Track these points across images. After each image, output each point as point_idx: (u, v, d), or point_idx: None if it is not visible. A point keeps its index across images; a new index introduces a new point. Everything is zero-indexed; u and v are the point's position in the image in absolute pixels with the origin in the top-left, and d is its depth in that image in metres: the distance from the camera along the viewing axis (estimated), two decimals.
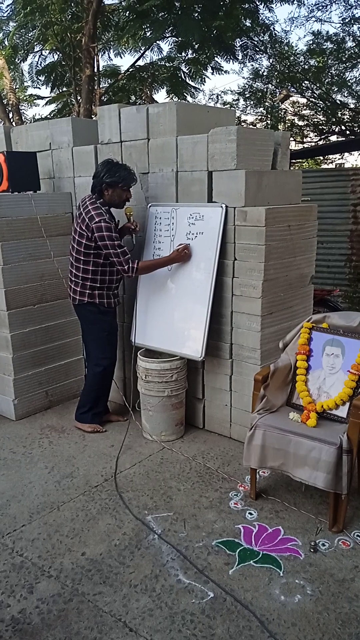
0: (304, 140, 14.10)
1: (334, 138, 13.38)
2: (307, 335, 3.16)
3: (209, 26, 10.05)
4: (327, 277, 7.14)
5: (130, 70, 12.44)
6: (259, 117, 14.02)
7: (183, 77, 12.73)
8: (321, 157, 15.76)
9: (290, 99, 14.04)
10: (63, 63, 12.17)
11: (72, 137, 4.36)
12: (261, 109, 13.69)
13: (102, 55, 12.90)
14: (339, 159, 15.90)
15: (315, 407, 2.95)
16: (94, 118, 8.98)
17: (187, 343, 3.68)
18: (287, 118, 13.81)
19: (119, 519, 2.90)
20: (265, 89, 13.27)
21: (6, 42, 12.18)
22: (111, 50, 12.96)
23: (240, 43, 11.77)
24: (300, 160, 15.14)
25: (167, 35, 10.96)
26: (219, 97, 14.56)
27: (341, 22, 11.59)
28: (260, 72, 12.77)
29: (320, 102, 12.63)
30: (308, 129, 13.80)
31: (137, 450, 3.67)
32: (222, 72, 12.55)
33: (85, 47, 10.23)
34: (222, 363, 3.73)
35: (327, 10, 11.78)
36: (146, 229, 3.91)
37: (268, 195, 3.57)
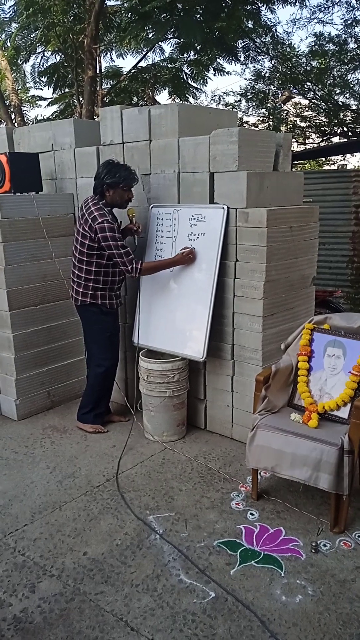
0: (306, 141, 14.11)
1: (336, 139, 13.38)
2: (308, 336, 3.16)
3: (211, 27, 10.07)
4: (329, 279, 7.14)
5: (133, 71, 12.46)
6: (261, 119, 14.04)
7: (185, 78, 12.75)
8: (323, 159, 15.77)
9: (292, 100, 14.06)
10: (65, 64, 12.19)
11: (74, 139, 4.38)
12: (263, 110, 13.72)
13: (104, 57, 12.94)
14: (341, 160, 15.91)
15: (317, 408, 2.95)
16: (96, 119, 9.00)
17: (188, 344, 3.69)
18: (289, 119, 13.82)
19: (121, 519, 2.91)
20: (267, 91, 13.28)
21: (8, 44, 12.21)
22: (113, 52, 13.00)
23: (242, 44, 11.80)
24: (303, 161, 15.15)
25: (169, 37, 10.99)
26: (221, 98, 14.59)
27: (343, 23, 11.60)
28: (262, 73, 12.79)
29: (323, 103, 12.64)
30: (310, 130, 13.81)
31: (139, 450, 3.67)
32: (224, 73, 12.60)
33: (87, 49, 10.26)
34: (223, 364, 3.74)
35: (329, 12, 11.80)
36: (148, 230, 3.92)
37: (270, 196, 3.58)
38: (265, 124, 13.68)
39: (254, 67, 12.70)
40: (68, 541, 2.73)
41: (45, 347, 4.30)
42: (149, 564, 2.55)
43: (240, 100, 14.03)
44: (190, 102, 12.73)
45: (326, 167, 15.70)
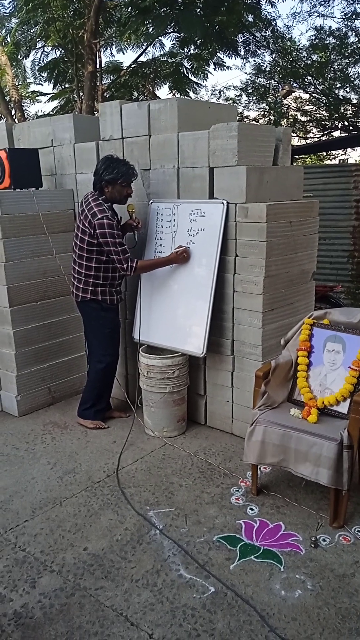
0: (307, 136, 14.06)
1: (336, 134, 13.34)
2: (308, 331, 3.16)
3: (211, 22, 10.03)
4: (329, 274, 7.13)
5: (133, 66, 12.42)
6: (262, 113, 14.00)
7: (185, 73, 12.71)
8: (324, 153, 15.72)
9: (293, 94, 14.00)
10: (65, 59, 12.16)
11: (74, 134, 4.36)
12: (264, 104, 13.66)
13: (104, 52, 12.90)
14: (342, 154, 15.84)
15: (316, 403, 2.95)
16: (96, 114, 8.97)
17: (188, 339, 3.69)
18: (289, 114, 13.77)
19: (121, 514, 2.92)
20: (267, 85, 13.23)
21: (8, 39, 12.17)
22: (113, 47, 12.97)
23: (243, 38, 11.73)
24: (303, 156, 15.10)
25: (169, 31, 10.94)
26: (222, 92, 14.53)
27: (343, 17, 11.54)
28: (263, 67, 12.74)
29: (323, 97, 12.59)
30: (311, 124, 13.76)
31: (139, 446, 3.68)
32: (225, 67, 12.52)
33: (87, 44, 10.22)
34: (223, 359, 3.74)
35: (329, 6, 11.74)
36: (148, 226, 3.91)
37: (269, 191, 3.57)
38: (266, 119, 13.63)
39: (255, 61, 12.67)
40: (68, 537, 2.74)
41: (46, 343, 4.30)
42: (149, 559, 2.56)
43: (240, 95, 13.99)
44: (190, 97, 12.68)
45: (327, 162, 15.65)
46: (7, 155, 4.04)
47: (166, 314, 3.81)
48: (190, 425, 3.95)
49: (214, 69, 12.72)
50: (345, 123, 12.82)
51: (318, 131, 13.81)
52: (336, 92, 12.31)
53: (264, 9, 11.18)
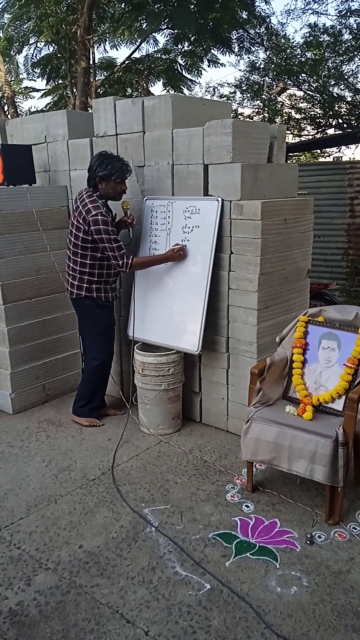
0: (301, 133, 14.05)
1: (331, 131, 13.34)
2: (303, 328, 3.16)
3: (204, 18, 10.01)
4: (324, 271, 7.15)
5: (126, 62, 12.38)
6: (256, 110, 13.96)
7: (179, 69, 12.68)
8: (318, 151, 15.72)
9: (287, 91, 13.98)
10: (58, 55, 12.11)
11: (67, 130, 4.34)
12: (258, 102, 13.63)
13: (97, 48, 12.86)
14: (336, 152, 15.85)
15: (312, 401, 2.96)
16: (90, 111, 8.94)
17: (183, 337, 3.68)
18: (284, 111, 13.75)
19: (116, 511, 2.91)
20: (262, 82, 13.19)
21: (1, 34, 12.10)
22: (107, 43, 12.92)
23: (237, 35, 11.71)
24: (298, 153, 15.11)
25: (163, 28, 10.91)
26: (216, 89, 14.48)
27: (338, 14, 11.51)
28: (257, 64, 12.70)
29: (317, 95, 12.58)
30: (305, 122, 13.75)
31: (135, 443, 3.68)
32: (219, 64, 12.53)
33: (80, 39, 10.17)
34: (218, 357, 3.74)
35: (323, 3, 11.74)
36: (142, 223, 3.90)
37: (264, 188, 3.56)
38: (260, 116, 13.62)
39: (249, 58, 12.61)
40: (64, 534, 2.74)
41: (40, 341, 4.28)
42: (145, 557, 2.56)
43: (235, 92, 13.94)
44: (184, 94, 12.66)
45: (321, 159, 15.66)
46: (0, 151, 4.01)
47: (161, 312, 3.81)
48: (185, 422, 3.95)
49: (208, 66, 12.72)
50: (340, 120, 12.82)
51: (312, 128, 13.79)
52: (330, 89, 12.30)
53: (258, 6, 11.18)
